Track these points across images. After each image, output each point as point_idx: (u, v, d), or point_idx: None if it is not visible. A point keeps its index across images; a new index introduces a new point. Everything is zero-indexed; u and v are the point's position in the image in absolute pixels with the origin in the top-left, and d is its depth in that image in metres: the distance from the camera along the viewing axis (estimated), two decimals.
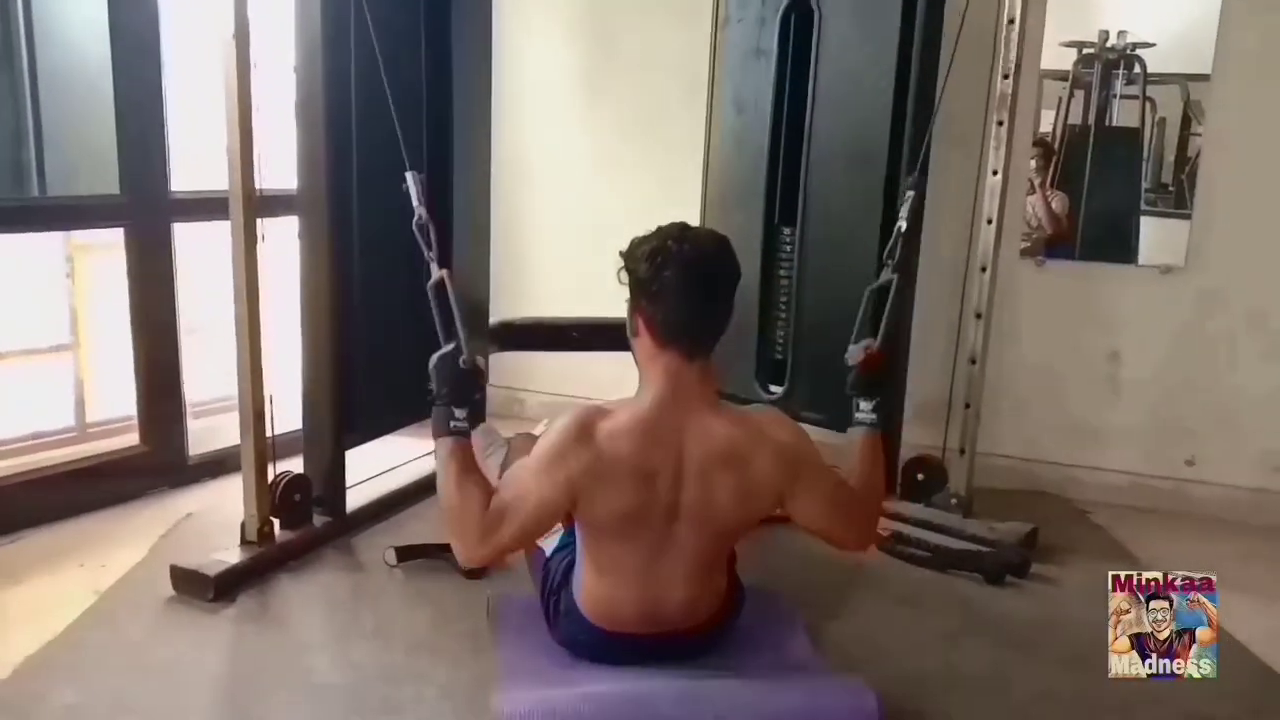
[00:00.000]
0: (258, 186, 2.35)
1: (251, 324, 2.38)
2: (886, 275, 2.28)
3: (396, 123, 2.15)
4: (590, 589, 1.98)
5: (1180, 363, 3.18)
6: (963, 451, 2.89)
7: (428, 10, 2.80)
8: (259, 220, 2.37)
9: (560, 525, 2.08)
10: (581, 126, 3.65)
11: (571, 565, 2.03)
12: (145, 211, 2.83)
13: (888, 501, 2.93)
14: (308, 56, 2.48)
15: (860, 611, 2.41)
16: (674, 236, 1.84)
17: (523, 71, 3.63)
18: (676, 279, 1.81)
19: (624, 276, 1.89)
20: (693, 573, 1.95)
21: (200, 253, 3.04)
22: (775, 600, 2.32)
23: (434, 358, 1.95)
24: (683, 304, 1.83)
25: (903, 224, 2.31)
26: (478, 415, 3.13)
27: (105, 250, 2.99)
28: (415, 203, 2.08)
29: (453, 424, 1.92)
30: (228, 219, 2.35)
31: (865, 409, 2.09)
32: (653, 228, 1.89)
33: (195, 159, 3.10)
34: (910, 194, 2.35)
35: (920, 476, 2.97)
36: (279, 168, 2.57)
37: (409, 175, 2.10)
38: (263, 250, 2.39)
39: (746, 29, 3.11)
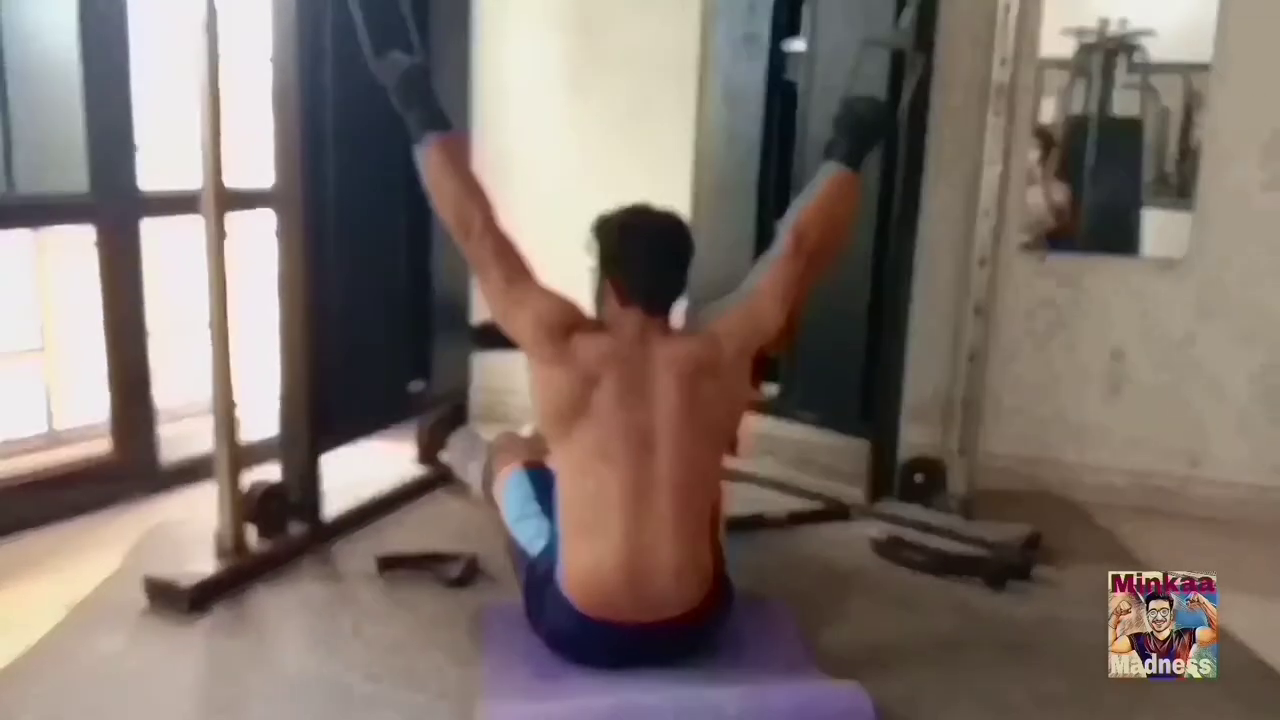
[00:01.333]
0: (231, 182, 2.29)
1: (222, 323, 2.33)
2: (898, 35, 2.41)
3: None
4: (573, 562, 1.97)
5: (1182, 360, 3.13)
6: (962, 451, 2.85)
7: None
8: (232, 215, 2.32)
9: (541, 520, 2.11)
10: (566, 121, 3.59)
11: (554, 565, 2.01)
12: (114, 209, 2.78)
13: (884, 503, 2.93)
14: (283, 47, 2.42)
15: (856, 616, 2.38)
16: (632, 212, 2.10)
17: (505, 65, 3.56)
18: (641, 246, 2.06)
19: (593, 246, 2.09)
20: (676, 529, 1.95)
21: (175, 255, 2.99)
22: (770, 606, 2.30)
23: (386, 58, 2.16)
24: (644, 264, 2.05)
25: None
26: (457, 416, 3.10)
27: (74, 251, 2.93)
28: None
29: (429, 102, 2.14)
30: (199, 214, 2.29)
31: (841, 143, 2.22)
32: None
33: (167, 157, 3.05)
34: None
35: (919, 478, 2.93)
36: (254, 164, 2.51)
37: None
38: (238, 250, 2.36)
39: (736, 16, 3.06)
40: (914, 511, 2.87)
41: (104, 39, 2.70)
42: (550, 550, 2.04)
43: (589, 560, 1.96)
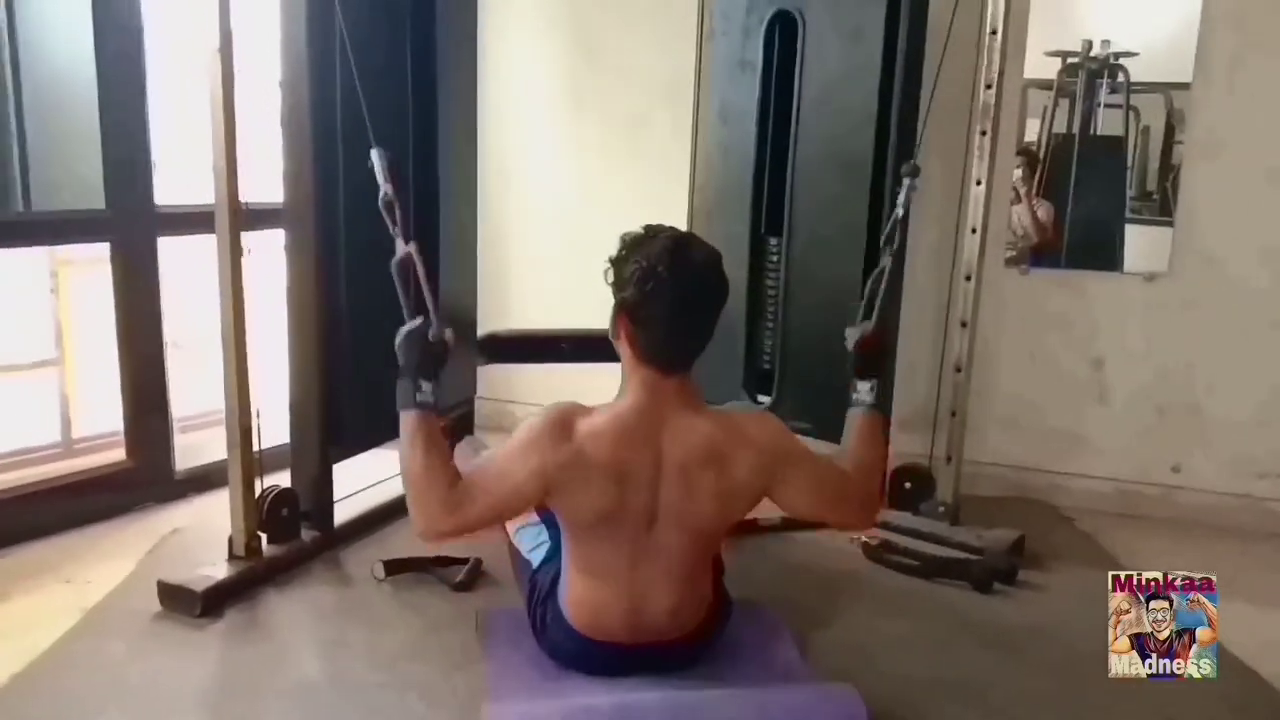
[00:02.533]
0: (244, 200, 2.34)
1: (237, 338, 2.38)
2: (885, 261, 2.28)
3: (368, 122, 2.15)
4: (575, 595, 1.98)
5: (1164, 369, 3.19)
6: (949, 459, 2.90)
7: (413, 23, 2.80)
8: (245, 233, 2.37)
9: (535, 515, 2.10)
10: (568, 140, 3.65)
11: (558, 577, 2.03)
12: (130, 226, 2.83)
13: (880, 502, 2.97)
14: (293, 70, 2.47)
15: (847, 620, 2.42)
16: (665, 262, 1.80)
17: (509, 85, 3.63)
18: (661, 305, 1.81)
19: (610, 277, 1.89)
20: (675, 577, 1.95)
21: (187, 267, 3.04)
22: (762, 611, 2.32)
23: (400, 332, 1.95)
24: (665, 329, 1.84)
25: (900, 210, 2.32)
26: (463, 425, 3.14)
27: (90, 265, 2.98)
28: (381, 180, 2.06)
29: (419, 396, 1.92)
30: (213, 233, 2.34)
31: (863, 389, 2.12)
32: (645, 225, 1.90)
33: (181, 173, 3.10)
34: (907, 181, 2.34)
35: (908, 485, 2.98)
36: (265, 181, 2.57)
37: (374, 152, 2.09)
38: (249, 264, 2.39)
39: (731, 41, 3.12)
40: (903, 518, 2.91)
41: (120, 58, 2.75)
42: (550, 561, 2.06)
43: (589, 597, 1.96)
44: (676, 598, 1.96)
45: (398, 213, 2.04)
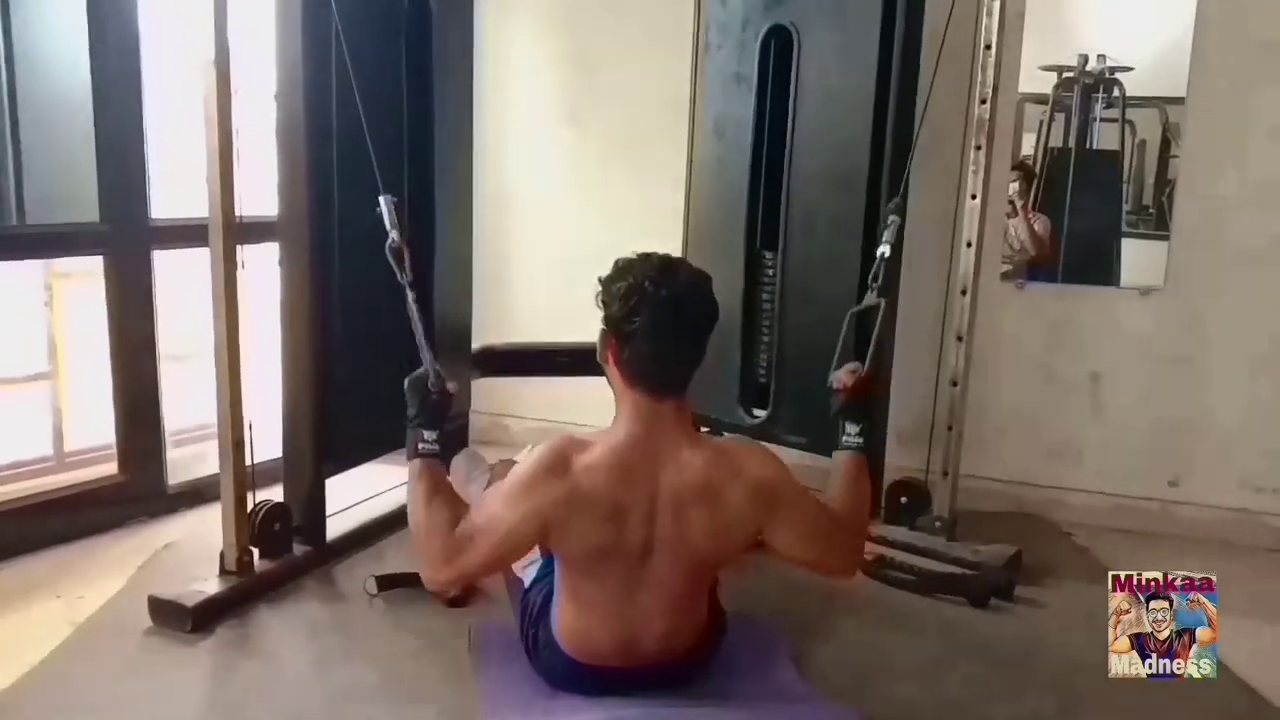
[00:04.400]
0: (238, 213, 2.35)
1: (231, 352, 2.38)
2: (871, 299, 2.27)
3: (371, 152, 2.18)
4: (567, 622, 1.97)
5: (1161, 384, 3.20)
6: (946, 474, 2.90)
7: (408, 37, 2.81)
8: (239, 246, 2.37)
9: (537, 553, 2.07)
10: (564, 153, 3.67)
11: (549, 597, 2.02)
12: (125, 239, 2.83)
13: (872, 525, 2.95)
14: (289, 83, 2.48)
15: (844, 636, 2.42)
16: (652, 278, 1.81)
17: (507, 101, 3.64)
18: (648, 325, 1.80)
19: (600, 302, 1.88)
20: (670, 606, 1.93)
21: (181, 279, 3.03)
22: (760, 626, 2.32)
23: (408, 380, 2.00)
24: (652, 351, 1.83)
25: (886, 249, 2.30)
26: (457, 438, 3.13)
27: (84, 278, 2.98)
28: (389, 227, 2.11)
29: (421, 446, 1.95)
30: (208, 246, 2.35)
31: (851, 432, 2.08)
32: (637, 251, 1.89)
33: (176, 183, 3.10)
34: (893, 219, 2.36)
35: (904, 500, 2.97)
36: (260, 194, 2.57)
37: (383, 200, 2.12)
38: (243, 277, 2.39)
39: (727, 55, 3.13)
40: (899, 533, 2.91)
41: (116, 71, 2.75)
42: (542, 580, 2.05)
43: (581, 626, 1.95)
44: (670, 625, 1.95)
45: (406, 261, 2.09)
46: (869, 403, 2.12)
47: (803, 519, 1.91)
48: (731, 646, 2.14)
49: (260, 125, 2.54)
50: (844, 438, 2.08)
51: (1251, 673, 2.27)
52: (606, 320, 1.86)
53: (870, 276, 2.31)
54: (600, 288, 1.87)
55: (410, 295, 2.06)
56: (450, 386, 2.01)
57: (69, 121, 2.78)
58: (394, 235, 2.09)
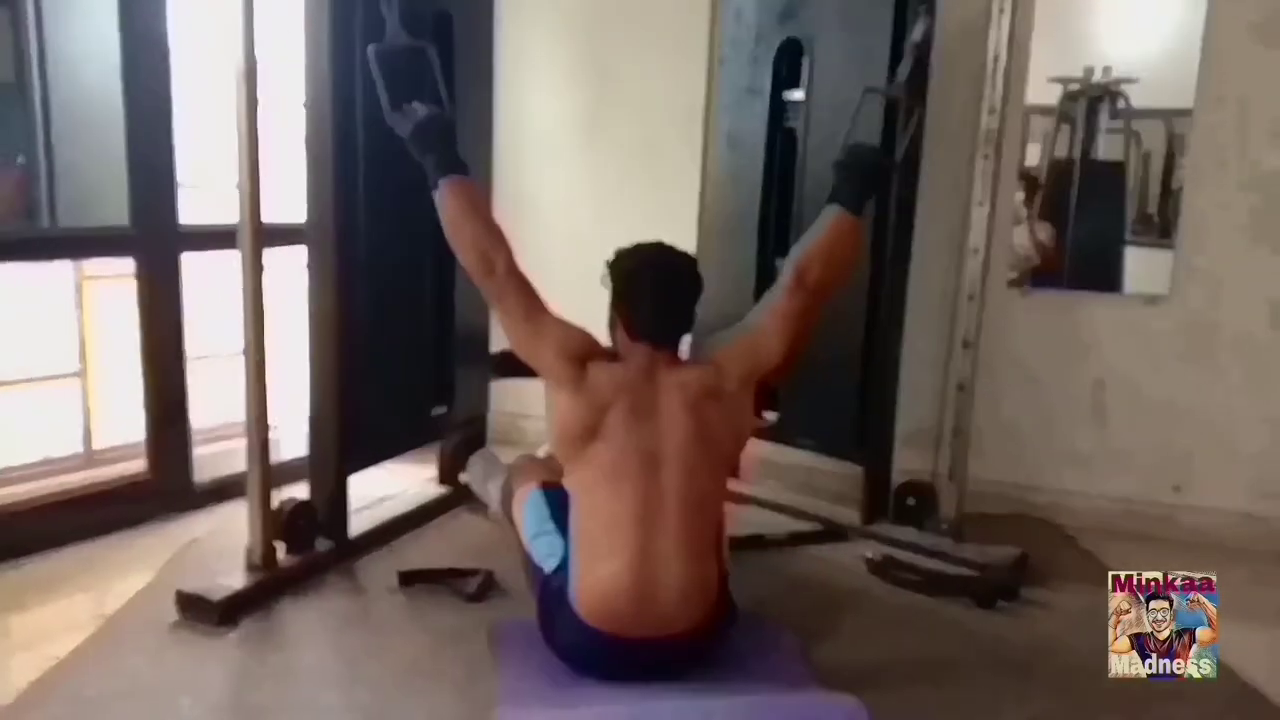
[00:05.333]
0: (266, 219, 2.38)
1: (258, 355, 2.42)
2: (894, 88, 2.53)
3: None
4: (584, 579, 2.05)
5: (1166, 390, 3.22)
6: (952, 477, 2.92)
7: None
8: (267, 250, 2.40)
9: (559, 544, 2.14)
10: (581, 162, 3.70)
11: (567, 581, 2.08)
12: (154, 243, 2.86)
13: (878, 525, 3.01)
14: (316, 93, 2.52)
15: (851, 636, 2.44)
16: (647, 253, 2.22)
17: (524, 114, 3.67)
18: (648, 286, 2.17)
19: (607, 280, 2.21)
20: (683, 543, 2.04)
21: (208, 279, 3.07)
22: (772, 626, 2.36)
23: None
24: (650, 305, 2.17)
25: (918, 34, 2.49)
26: (476, 438, 3.17)
27: (114, 280, 3.02)
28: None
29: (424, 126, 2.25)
30: (236, 249, 2.38)
31: (843, 190, 2.29)
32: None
33: (203, 189, 3.13)
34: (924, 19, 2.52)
35: (911, 501, 3.01)
36: (285, 200, 2.61)
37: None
38: (271, 281, 2.43)
39: (740, 68, 3.17)
40: (906, 533, 2.94)
41: (147, 77, 2.78)
42: (563, 568, 2.11)
43: (599, 577, 2.03)
44: (683, 575, 2.03)
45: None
46: (876, 163, 2.38)
47: (769, 333, 2.20)
48: (742, 641, 2.19)
49: (289, 133, 2.57)
50: (836, 190, 2.30)
51: (1257, 675, 2.29)
52: (614, 292, 2.20)
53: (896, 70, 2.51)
54: (607, 267, 2.22)
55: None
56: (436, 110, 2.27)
57: (100, 126, 2.80)
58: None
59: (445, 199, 2.21)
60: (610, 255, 2.23)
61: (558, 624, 2.10)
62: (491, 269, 2.17)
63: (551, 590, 2.12)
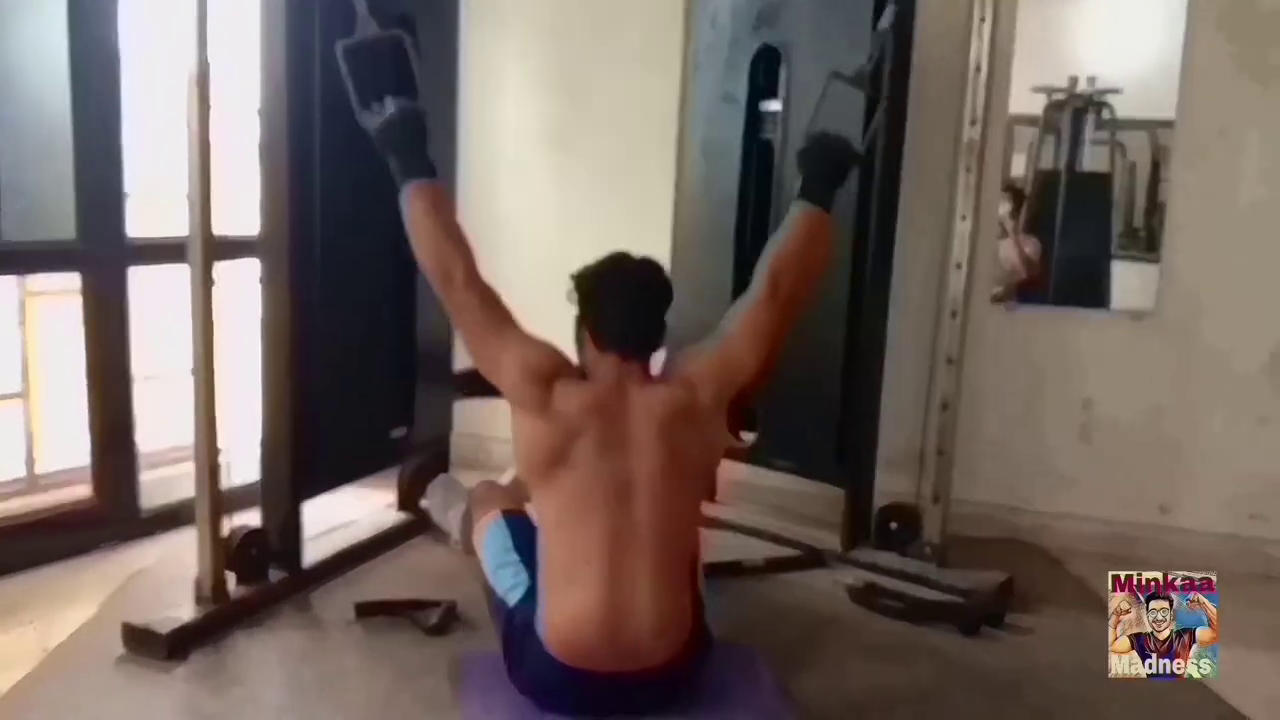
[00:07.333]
0: (218, 230, 2.32)
1: (207, 375, 2.34)
2: (859, 71, 2.46)
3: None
4: (553, 611, 1.98)
5: (1152, 408, 3.19)
6: (936, 499, 2.88)
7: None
8: (218, 264, 2.34)
9: (523, 574, 2.09)
10: (551, 175, 3.65)
11: (533, 614, 2.02)
12: (101, 257, 2.80)
13: (859, 551, 2.96)
14: (272, 98, 2.47)
15: (832, 665, 2.40)
16: (615, 261, 2.13)
17: (493, 125, 3.63)
18: (615, 294, 2.09)
19: (573, 295, 2.12)
20: (656, 581, 1.96)
21: (158, 299, 3.02)
22: (745, 654, 2.32)
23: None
24: (620, 316, 2.08)
25: (885, 23, 2.47)
26: (438, 461, 3.09)
27: (59, 296, 2.95)
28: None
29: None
30: (185, 263, 2.32)
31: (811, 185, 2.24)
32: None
33: (151, 201, 3.06)
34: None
35: (894, 525, 2.96)
36: (237, 211, 2.54)
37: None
38: (222, 296, 2.37)
39: (715, 75, 3.13)
40: (889, 559, 2.90)
41: (96, 85, 2.74)
42: (528, 600, 2.05)
43: (569, 609, 1.96)
44: (656, 607, 1.96)
45: None
46: (843, 153, 2.31)
47: (742, 344, 2.11)
48: (716, 671, 2.15)
49: (242, 141, 2.51)
50: (804, 186, 2.24)
51: (1242, 701, 2.28)
52: (580, 305, 2.12)
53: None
54: (573, 281, 2.13)
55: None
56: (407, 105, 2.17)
57: (47, 137, 2.75)
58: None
59: (409, 203, 2.12)
60: (575, 271, 2.16)
61: (524, 658, 2.03)
62: (450, 279, 2.07)
63: (517, 623, 2.06)
